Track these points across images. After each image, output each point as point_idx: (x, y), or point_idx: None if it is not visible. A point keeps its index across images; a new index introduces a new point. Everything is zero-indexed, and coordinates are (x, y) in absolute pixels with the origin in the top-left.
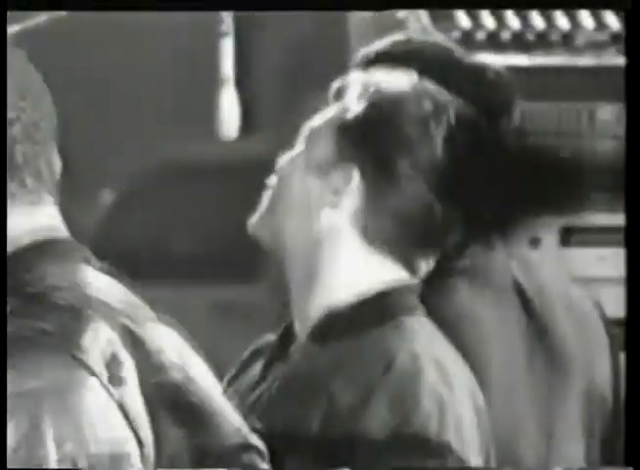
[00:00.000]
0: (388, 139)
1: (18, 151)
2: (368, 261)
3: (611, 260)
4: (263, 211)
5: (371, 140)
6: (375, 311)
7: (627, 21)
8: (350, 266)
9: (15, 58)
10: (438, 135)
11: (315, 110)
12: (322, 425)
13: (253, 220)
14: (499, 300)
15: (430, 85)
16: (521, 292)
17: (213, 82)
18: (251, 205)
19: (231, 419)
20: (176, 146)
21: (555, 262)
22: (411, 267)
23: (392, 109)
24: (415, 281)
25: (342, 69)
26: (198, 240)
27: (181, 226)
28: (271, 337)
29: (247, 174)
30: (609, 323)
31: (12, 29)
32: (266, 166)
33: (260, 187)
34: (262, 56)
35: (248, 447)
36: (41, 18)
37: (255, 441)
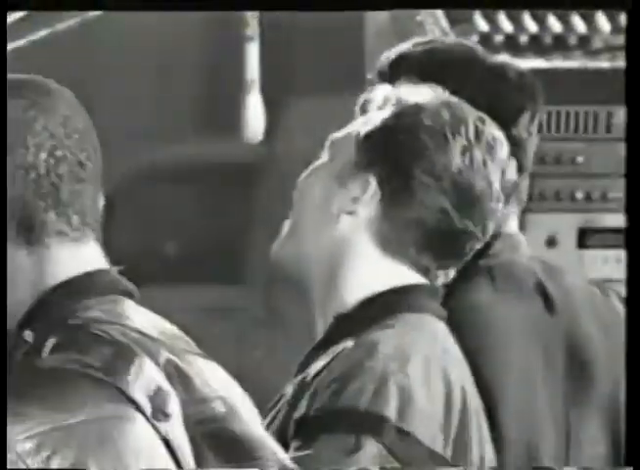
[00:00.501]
0: (406, 148)
1: (64, 189)
2: (384, 270)
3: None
4: (287, 234)
5: (388, 149)
6: (378, 310)
7: (628, 21)
8: (366, 275)
9: (61, 97)
10: (456, 145)
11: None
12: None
13: (277, 245)
14: (522, 299)
15: (452, 98)
16: (544, 292)
17: (239, 86)
18: (235, 207)
19: (272, 450)
20: (166, 149)
21: (572, 263)
22: (427, 274)
23: (410, 118)
24: (427, 283)
25: (358, 72)
26: (182, 242)
27: (166, 229)
28: None
29: (233, 177)
30: None
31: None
32: (254, 169)
33: (247, 190)
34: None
35: None
36: (74, 20)
37: (293, 467)
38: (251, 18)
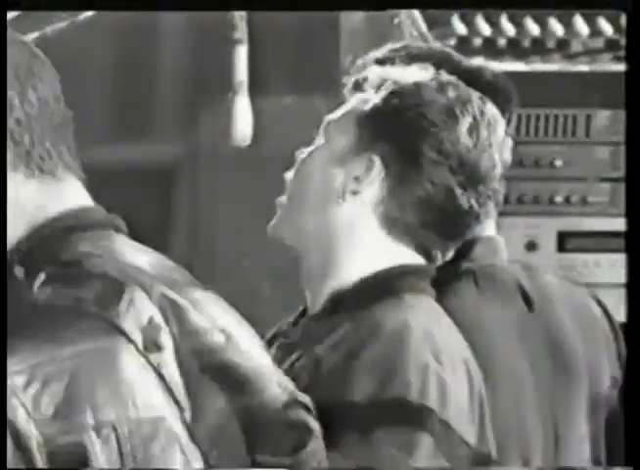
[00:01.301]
0: (412, 126)
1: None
2: (385, 248)
3: (607, 266)
4: (284, 211)
5: (393, 127)
6: (378, 288)
7: (628, 22)
8: (367, 253)
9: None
10: (464, 123)
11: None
12: (308, 388)
13: (274, 222)
14: (505, 302)
15: (450, 77)
16: (523, 293)
17: (228, 89)
18: (155, 209)
19: (275, 377)
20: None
21: (552, 267)
22: (428, 255)
23: (415, 96)
24: (427, 265)
25: (333, 74)
26: None
27: None
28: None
29: (152, 180)
30: (615, 323)
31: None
32: (172, 169)
33: (166, 192)
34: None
35: (295, 404)
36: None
37: (302, 397)
38: (240, 20)
